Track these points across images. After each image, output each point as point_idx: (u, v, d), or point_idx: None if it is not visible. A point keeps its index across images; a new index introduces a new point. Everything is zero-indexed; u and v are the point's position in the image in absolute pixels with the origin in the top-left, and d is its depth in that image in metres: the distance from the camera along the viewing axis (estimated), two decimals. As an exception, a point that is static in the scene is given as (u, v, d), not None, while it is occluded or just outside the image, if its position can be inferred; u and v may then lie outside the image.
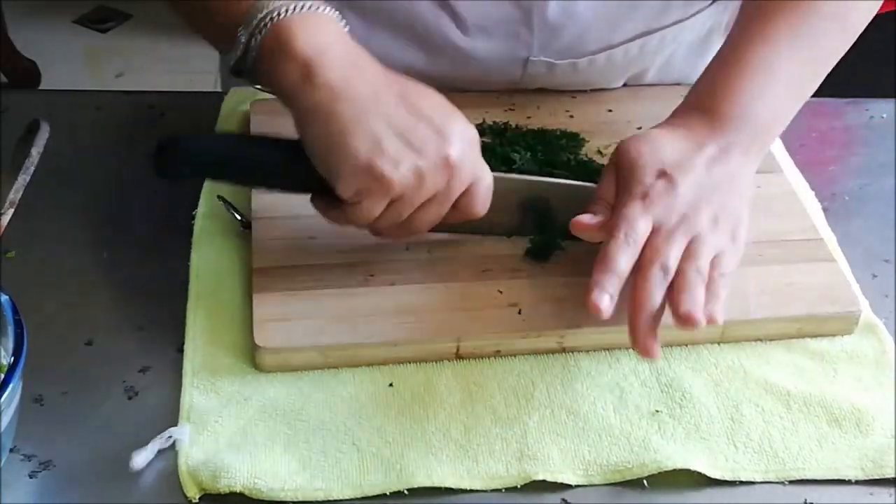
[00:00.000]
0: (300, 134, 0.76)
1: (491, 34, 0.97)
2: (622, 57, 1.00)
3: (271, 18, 0.75)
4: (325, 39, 0.75)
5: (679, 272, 0.75)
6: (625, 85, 1.05)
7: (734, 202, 0.80)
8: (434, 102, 0.78)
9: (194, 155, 0.78)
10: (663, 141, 0.81)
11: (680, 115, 0.84)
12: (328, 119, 0.73)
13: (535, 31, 0.96)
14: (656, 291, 0.74)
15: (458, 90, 1.01)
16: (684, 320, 0.73)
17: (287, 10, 0.75)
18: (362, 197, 0.75)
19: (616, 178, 0.81)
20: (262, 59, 0.76)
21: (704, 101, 0.84)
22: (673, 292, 0.75)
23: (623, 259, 0.75)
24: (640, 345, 0.73)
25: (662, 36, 1.00)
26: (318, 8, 0.76)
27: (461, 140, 0.76)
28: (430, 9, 0.95)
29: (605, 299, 0.74)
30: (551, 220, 0.85)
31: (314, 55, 0.74)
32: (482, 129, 0.97)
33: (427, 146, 0.74)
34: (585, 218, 0.80)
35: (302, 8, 0.75)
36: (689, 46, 1.03)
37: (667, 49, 1.02)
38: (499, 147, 0.93)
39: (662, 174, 0.79)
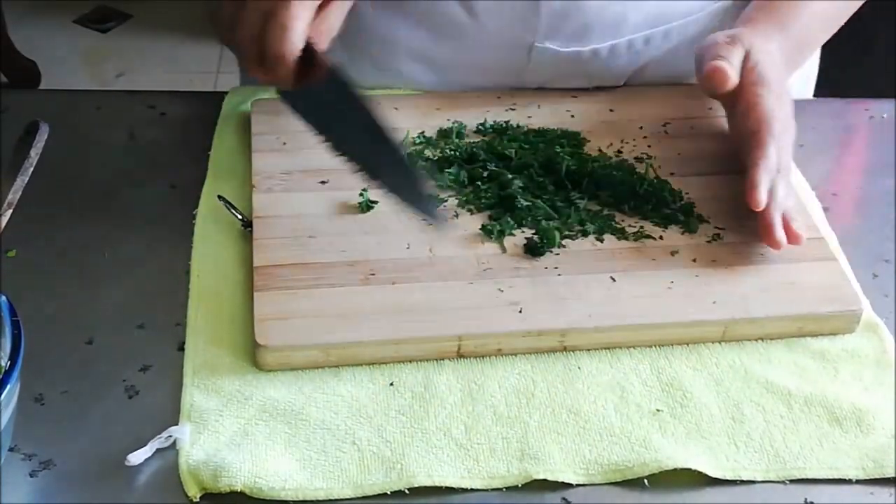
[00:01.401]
0: None
1: (497, 18, 0.98)
2: (626, 50, 1.01)
3: None
4: None
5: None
6: (626, 84, 1.05)
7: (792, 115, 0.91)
8: None
9: None
10: (772, 48, 0.92)
11: (758, 24, 0.94)
12: None
13: (541, 16, 0.97)
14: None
15: (462, 86, 1.02)
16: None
17: None
18: None
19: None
20: None
21: (777, 17, 0.94)
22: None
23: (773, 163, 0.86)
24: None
25: (668, 31, 1.01)
26: None
27: None
28: None
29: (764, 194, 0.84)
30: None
31: None
32: (484, 129, 0.97)
33: None
34: (725, 66, 0.88)
35: None
36: (692, 43, 1.04)
37: (671, 45, 1.02)
38: (497, 143, 0.94)
39: (779, 82, 0.90)
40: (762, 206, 0.84)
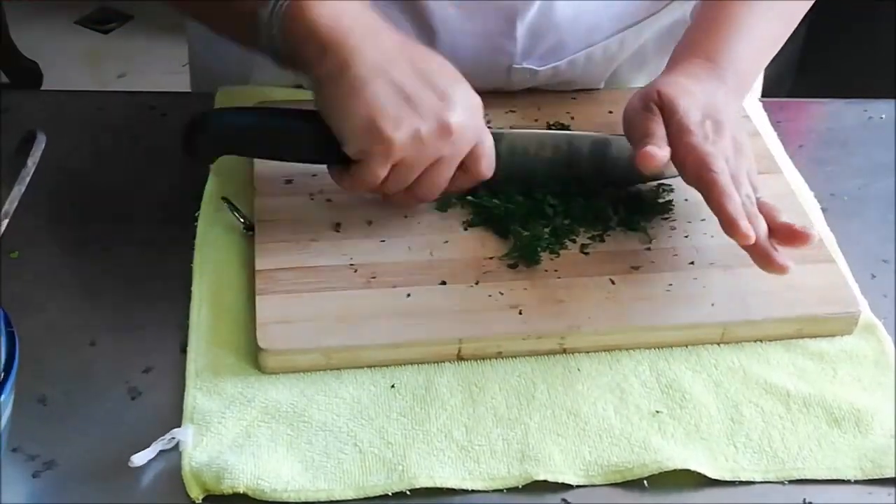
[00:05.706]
0: (316, 100, 0.80)
1: (473, 46, 0.97)
2: (602, 54, 1.02)
3: None
4: (342, 8, 0.78)
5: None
6: (605, 87, 1.05)
7: (742, 135, 0.86)
8: (442, 69, 0.82)
9: (223, 130, 0.84)
10: (691, 87, 0.85)
11: (683, 64, 0.89)
12: (338, 83, 0.78)
13: (517, 40, 0.98)
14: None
15: None
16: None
17: None
18: (367, 157, 0.78)
19: (662, 119, 0.84)
20: (283, 36, 0.79)
21: (705, 52, 0.89)
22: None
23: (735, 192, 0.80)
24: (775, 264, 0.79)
25: (639, 29, 1.01)
26: None
27: (463, 106, 0.80)
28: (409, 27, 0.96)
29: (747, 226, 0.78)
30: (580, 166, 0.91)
31: (330, 25, 0.77)
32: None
33: (429, 111, 0.78)
34: (654, 150, 0.81)
35: None
36: (658, 38, 1.04)
37: (640, 42, 1.03)
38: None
39: (708, 117, 0.83)
40: (752, 238, 0.78)
